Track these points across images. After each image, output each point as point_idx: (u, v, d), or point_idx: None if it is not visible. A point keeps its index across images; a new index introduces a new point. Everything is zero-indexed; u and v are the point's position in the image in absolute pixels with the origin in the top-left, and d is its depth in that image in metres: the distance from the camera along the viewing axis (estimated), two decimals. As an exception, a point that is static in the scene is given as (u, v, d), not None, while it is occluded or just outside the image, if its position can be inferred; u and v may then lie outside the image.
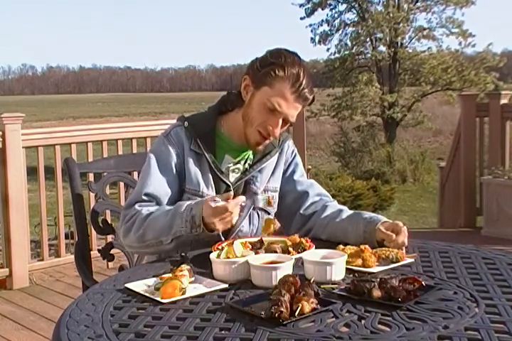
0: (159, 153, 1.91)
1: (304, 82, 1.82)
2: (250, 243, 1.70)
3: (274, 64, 1.82)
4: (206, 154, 1.89)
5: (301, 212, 2.00)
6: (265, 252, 1.65)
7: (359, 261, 1.61)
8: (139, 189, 1.87)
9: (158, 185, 1.86)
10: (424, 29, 20.22)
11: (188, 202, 1.77)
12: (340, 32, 21.05)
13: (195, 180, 1.88)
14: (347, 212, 1.96)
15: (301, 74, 1.82)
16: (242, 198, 1.72)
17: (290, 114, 1.85)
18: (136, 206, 1.84)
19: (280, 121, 1.85)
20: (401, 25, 19.49)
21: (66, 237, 4.71)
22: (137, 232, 1.79)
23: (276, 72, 1.81)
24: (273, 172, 2.00)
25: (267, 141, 1.91)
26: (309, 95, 1.86)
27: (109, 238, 2.44)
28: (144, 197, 1.85)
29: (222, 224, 1.70)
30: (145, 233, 1.78)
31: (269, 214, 2.01)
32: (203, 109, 2.05)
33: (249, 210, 1.95)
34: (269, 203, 1.95)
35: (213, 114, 1.97)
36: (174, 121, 1.99)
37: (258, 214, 1.98)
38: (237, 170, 1.96)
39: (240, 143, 1.94)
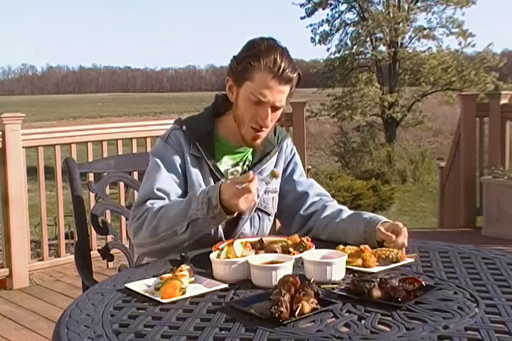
0: (163, 155, 1.88)
1: (282, 65, 1.78)
2: (250, 243, 1.70)
3: (248, 57, 1.80)
4: (206, 158, 1.87)
5: (301, 212, 2.00)
6: (265, 252, 1.65)
7: (359, 261, 1.61)
8: (149, 186, 1.83)
9: (168, 182, 1.84)
10: (425, 29, 20.21)
11: (203, 188, 1.76)
12: (340, 32, 21.08)
13: (196, 183, 1.87)
14: (347, 212, 1.95)
15: (278, 57, 1.78)
16: (256, 177, 1.69)
17: (277, 99, 1.81)
18: (147, 203, 1.80)
19: (269, 110, 1.82)
20: (401, 25, 19.48)
21: (66, 237, 4.71)
22: (150, 225, 1.74)
23: (252, 63, 1.78)
24: None
25: (262, 133, 1.87)
26: (292, 74, 1.81)
27: (109, 238, 2.44)
28: (157, 192, 1.81)
29: (246, 203, 1.67)
30: (158, 224, 1.73)
31: (269, 215, 2.00)
32: (202, 109, 2.05)
33: (251, 213, 1.95)
34: (275, 176, 1.87)
35: (209, 116, 1.95)
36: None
37: (259, 215, 1.97)
38: (235, 173, 1.95)
39: (237, 144, 1.93)
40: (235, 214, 1.73)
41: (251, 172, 1.72)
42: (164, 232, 1.73)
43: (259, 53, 1.79)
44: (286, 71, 1.79)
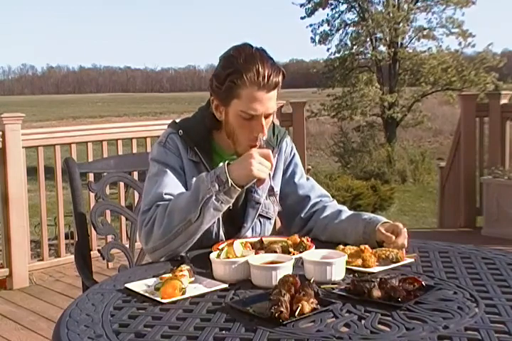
0: (164, 160, 1.85)
1: (266, 72, 1.72)
2: (250, 243, 1.70)
3: (230, 75, 1.74)
4: (205, 163, 1.85)
5: (302, 215, 1.98)
6: (265, 252, 1.65)
7: (359, 261, 1.61)
8: (156, 191, 1.78)
9: (175, 186, 1.80)
10: (424, 29, 20.22)
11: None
12: (340, 32, 21.10)
13: None
14: (346, 212, 1.95)
15: (260, 66, 1.72)
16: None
17: (269, 107, 1.77)
18: (154, 206, 1.76)
19: (263, 120, 1.78)
20: (401, 25, 19.50)
21: (66, 237, 4.71)
22: (161, 225, 1.70)
23: (236, 81, 1.73)
24: (273, 176, 1.95)
25: (258, 143, 1.81)
26: (277, 77, 1.75)
27: (109, 238, 2.44)
28: (166, 196, 1.76)
29: (256, 168, 1.65)
30: (171, 219, 1.69)
31: (270, 219, 1.99)
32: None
33: (254, 220, 1.94)
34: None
35: (205, 119, 1.90)
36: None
37: (260, 221, 1.96)
38: None
39: (234, 152, 1.89)
40: (247, 186, 1.72)
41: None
42: (178, 225, 1.69)
43: (240, 68, 1.73)
44: (272, 77, 1.73)
